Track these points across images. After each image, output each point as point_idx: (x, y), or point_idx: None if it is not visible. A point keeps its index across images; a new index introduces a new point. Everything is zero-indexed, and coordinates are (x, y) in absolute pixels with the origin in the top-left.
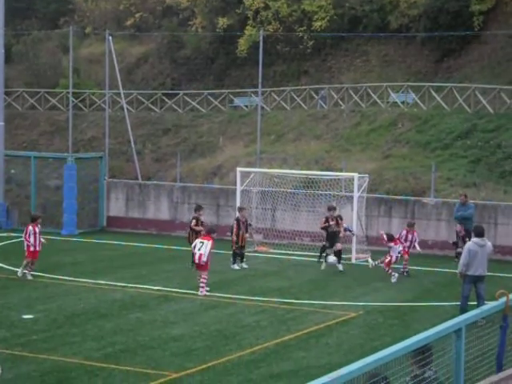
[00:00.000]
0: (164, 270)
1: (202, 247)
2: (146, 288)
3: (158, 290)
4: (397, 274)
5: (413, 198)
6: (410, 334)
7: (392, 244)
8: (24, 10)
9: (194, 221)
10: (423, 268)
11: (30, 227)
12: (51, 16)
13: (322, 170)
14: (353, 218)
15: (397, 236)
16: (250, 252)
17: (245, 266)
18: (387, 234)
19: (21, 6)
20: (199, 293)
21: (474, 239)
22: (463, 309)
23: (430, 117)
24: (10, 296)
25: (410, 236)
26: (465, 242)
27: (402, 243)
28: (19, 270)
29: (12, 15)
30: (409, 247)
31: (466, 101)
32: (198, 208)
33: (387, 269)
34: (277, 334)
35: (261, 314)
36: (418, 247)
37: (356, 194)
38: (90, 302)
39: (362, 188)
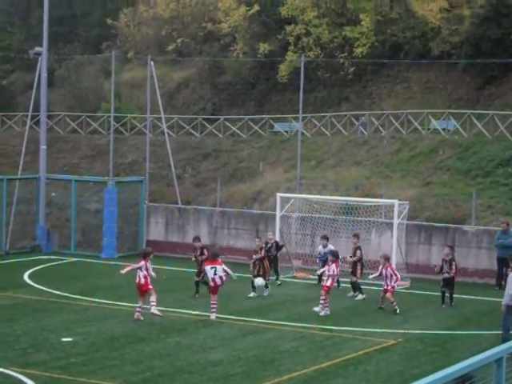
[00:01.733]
0: (203, 294)
1: (217, 271)
2: (185, 312)
3: (196, 314)
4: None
5: (453, 226)
6: (450, 362)
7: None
8: (67, 34)
9: (198, 251)
10: (463, 296)
11: (143, 262)
12: (94, 40)
13: (361, 197)
14: (393, 245)
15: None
16: (288, 277)
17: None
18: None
19: (64, 30)
20: (212, 316)
21: None
22: (505, 339)
23: (471, 144)
24: (49, 318)
25: (384, 271)
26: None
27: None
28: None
29: (55, 40)
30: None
31: (508, 128)
32: (197, 239)
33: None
34: (315, 360)
35: (299, 340)
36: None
37: (396, 221)
38: (128, 326)
39: (402, 215)
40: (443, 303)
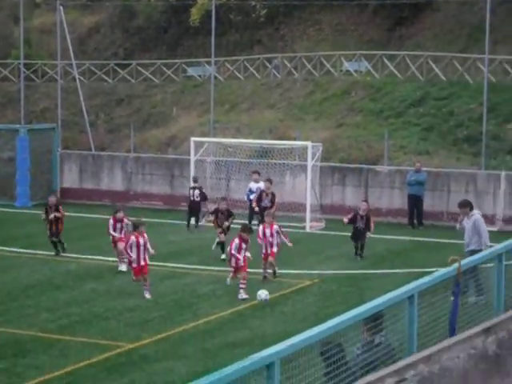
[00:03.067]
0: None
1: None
2: (101, 259)
3: (113, 261)
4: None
5: (366, 167)
6: (364, 301)
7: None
8: None
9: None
10: (377, 236)
11: (133, 237)
12: None
13: (275, 140)
14: (307, 187)
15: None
16: (204, 222)
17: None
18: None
19: None
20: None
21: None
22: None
23: (383, 85)
24: None
25: (267, 231)
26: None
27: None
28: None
29: None
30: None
31: (419, 69)
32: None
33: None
34: (232, 303)
35: (216, 284)
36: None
37: (310, 163)
38: (44, 274)
39: (316, 157)
40: (356, 254)
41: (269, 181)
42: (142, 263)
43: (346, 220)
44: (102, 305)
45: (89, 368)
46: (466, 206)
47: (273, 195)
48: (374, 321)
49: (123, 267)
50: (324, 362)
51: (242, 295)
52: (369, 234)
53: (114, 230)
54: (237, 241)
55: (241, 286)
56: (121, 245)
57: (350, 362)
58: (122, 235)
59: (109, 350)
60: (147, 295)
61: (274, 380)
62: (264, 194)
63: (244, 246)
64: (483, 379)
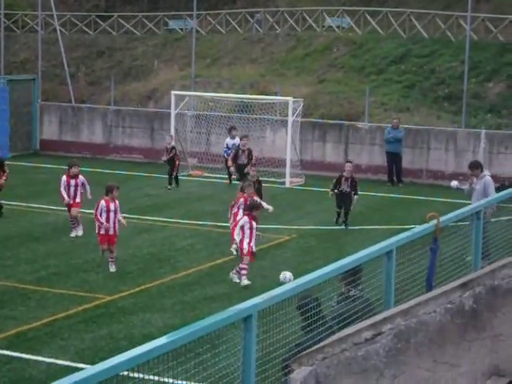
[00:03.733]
0: (98, 193)
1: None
2: (79, 211)
3: (91, 213)
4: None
5: (347, 123)
6: (342, 256)
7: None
8: None
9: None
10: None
11: (103, 202)
12: None
13: (256, 94)
14: (287, 142)
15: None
16: (184, 176)
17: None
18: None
19: None
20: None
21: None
22: None
23: (365, 41)
24: None
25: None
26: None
27: None
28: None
29: None
30: None
31: (401, 26)
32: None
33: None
34: (211, 256)
35: (195, 238)
36: None
37: (290, 119)
38: (22, 226)
39: (297, 112)
40: (337, 222)
41: (246, 137)
42: (111, 232)
43: (330, 191)
44: (80, 257)
45: (66, 319)
46: (478, 167)
47: (249, 152)
48: (353, 275)
49: (79, 231)
50: (301, 315)
51: (245, 281)
52: (355, 198)
53: (68, 189)
54: (246, 220)
55: (243, 271)
56: (74, 210)
57: (327, 315)
58: (78, 197)
59: (87, 302)
60: (112, 268)
61: (252, 333)
62: (240, 151)
63: (254, 225)
64: (459, 333)
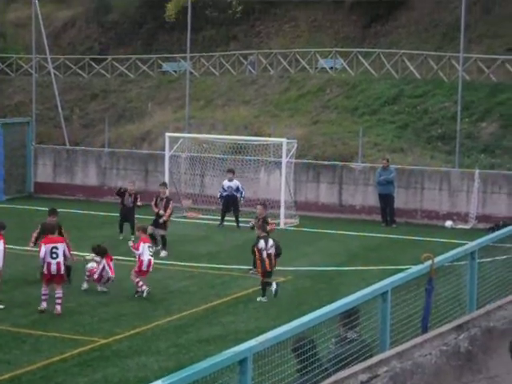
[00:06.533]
0: (92, 236)
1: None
2: (74, 254)
3: (85, 255)
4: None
5: (341, 164)
6: (337, 297)
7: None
8: None
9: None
10: (350, 233)
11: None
12: None
13: (250, 136)
14: (281, 183)
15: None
16: (178, 217)
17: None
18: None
19: None
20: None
21: None
22: None
23: (358, 82)
24: None
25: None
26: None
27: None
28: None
29: None
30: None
31: (394, 66)
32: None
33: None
34: (206, 299)
35: (190, 280)
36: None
37: (284, 160)
38: (17, 270)
39: (291, 153)
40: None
41: (164, 185)
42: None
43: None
44: (74, 300)
45: (61, 363)
46: None
47: (167, 200)
48: (349, 317)
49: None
50: (297, 358)
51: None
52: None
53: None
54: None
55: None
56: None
57: (323, 358)
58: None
59: (82, 345)
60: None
61: (247, 376)
62: (158, 199)
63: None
64: (455, 376)
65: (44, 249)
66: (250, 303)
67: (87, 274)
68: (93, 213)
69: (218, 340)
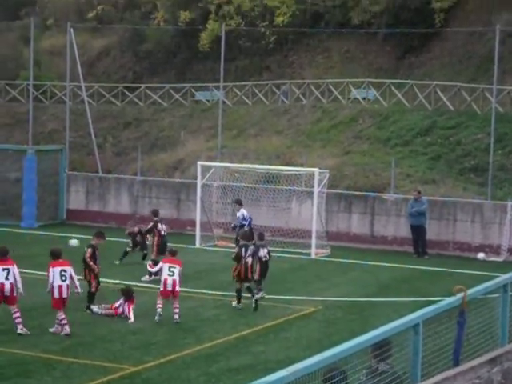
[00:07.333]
0: (124, 263)
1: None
2: (105, 281)
3: (117, 283)
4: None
5: (373, 194)
6: (368, 329)
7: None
8: None
9: (89, 250)
10: (382, 263)
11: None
12: (12, 7)
13: (282, 165)
14: (313, 213)
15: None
16: (209, 246)
17: None
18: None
19: None
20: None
21: None
22: None
23: (391, 113)
24: None
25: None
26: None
27: None
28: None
29: None
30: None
31: (427, 98)
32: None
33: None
34: (236, 328)
35: (220, 308)
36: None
37: (316, 190)
38: (47, 296)
39: (323, 183)
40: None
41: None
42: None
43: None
44: (105, 327)
45: None
46: None
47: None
48: (380, 348)
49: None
50: None
51: None
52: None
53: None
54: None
55: None
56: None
57: None
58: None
59: (112, 373)
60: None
61: None
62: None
63: None
64: None
65: (52, 272)
66: (281, 333)
67: (107, 308)
68: (125, 240)
69: (248, 369)
